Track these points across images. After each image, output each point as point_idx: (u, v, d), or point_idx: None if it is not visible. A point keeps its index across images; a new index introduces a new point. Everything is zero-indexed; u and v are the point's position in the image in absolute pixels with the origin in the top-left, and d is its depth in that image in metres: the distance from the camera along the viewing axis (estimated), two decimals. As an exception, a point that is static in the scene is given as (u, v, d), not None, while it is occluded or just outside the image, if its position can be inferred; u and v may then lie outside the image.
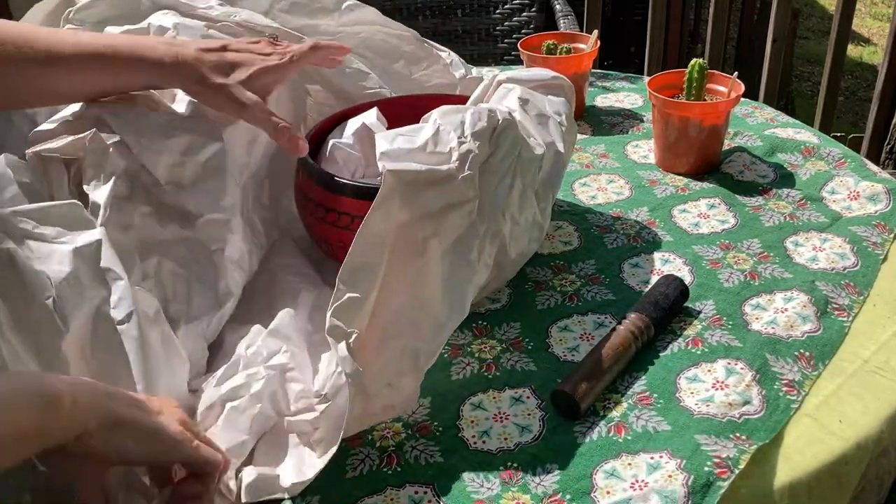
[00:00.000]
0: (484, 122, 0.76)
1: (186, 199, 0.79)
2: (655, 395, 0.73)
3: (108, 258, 0.67)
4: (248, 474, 0.65)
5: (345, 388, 0.65)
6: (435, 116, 0.77)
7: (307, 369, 0.76)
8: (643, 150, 1.18)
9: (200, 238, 0.79)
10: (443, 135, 0.74)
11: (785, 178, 1.07)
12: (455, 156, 0.73)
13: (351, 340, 0.65)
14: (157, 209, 0.79)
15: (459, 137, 0.74)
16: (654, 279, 0.87)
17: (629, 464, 0.67)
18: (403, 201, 0.69)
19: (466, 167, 0.73)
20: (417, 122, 0.78)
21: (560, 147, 0.87)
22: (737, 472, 0.65)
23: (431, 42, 1.05)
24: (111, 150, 0.77)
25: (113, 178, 0.76)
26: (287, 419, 0.70)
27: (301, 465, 0.67)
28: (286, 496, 0.65)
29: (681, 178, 1.10)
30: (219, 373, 0.73)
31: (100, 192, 0.75)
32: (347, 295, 0.66)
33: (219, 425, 0.69)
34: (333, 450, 0.64)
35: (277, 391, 0.72)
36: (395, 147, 0.72)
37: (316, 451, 0.68)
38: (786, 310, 0.83)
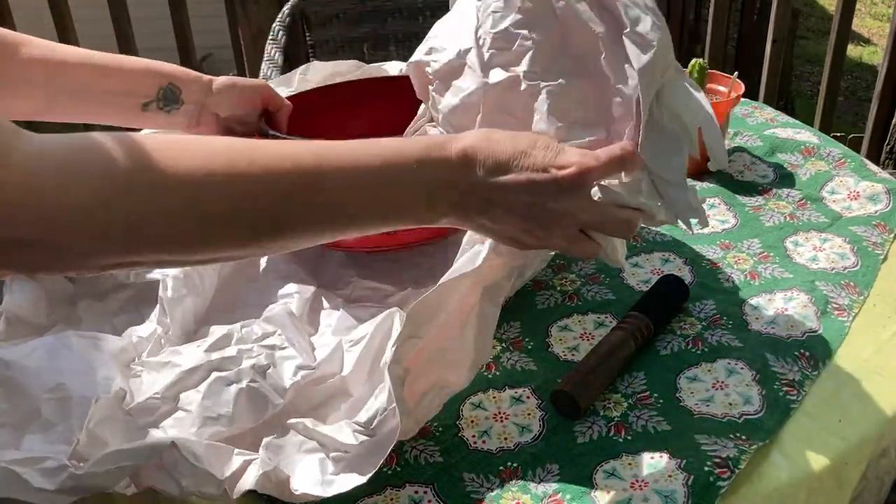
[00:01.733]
0: None
1: None
2: (655, 395, 0.73)
3: None
4: (263, 464, 0.63)
5: (385, 424, 0.64)
6: None
7: (306, 352, 0.75)
8: (643, 150, 1.18)
9: None
10: None
11: (785, 178, 1.07)
12: None
13: (406, 379, 0.64)
14: None
15: None
16: (654, 279, 0.87)
17: (629, 464, 0.67)
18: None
19: None
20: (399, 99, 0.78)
21: None
22: (737, 472, 0.65)
23: (371, 65, 1.11)
24: None
25: None
26: (311, 426, 0.67)
27: (317, 476, 0.64)
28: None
29: (681, 178, 1.10)
30: (208, 340, 0.73)
31: None
32: (410, 338, 0.64)
33: (200, 391, 0.68)
34: (356, 482, 0.62)
35: (270, 369, 0.71)
36: None
37: (334, 467, 0.65)
38: (786, 310, 0.83)
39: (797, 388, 0.73)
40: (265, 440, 0.66)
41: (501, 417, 0.72)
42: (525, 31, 0.66)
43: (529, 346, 0.81)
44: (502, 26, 0.67)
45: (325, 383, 0.72)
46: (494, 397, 0.75)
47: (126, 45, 2.13)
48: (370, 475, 0.62)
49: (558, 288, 0.89)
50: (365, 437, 0.64)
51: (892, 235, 0.95)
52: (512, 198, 0.59)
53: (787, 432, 0.70)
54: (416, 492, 0.66)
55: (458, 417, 0.73)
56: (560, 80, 0.66)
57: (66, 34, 2.08)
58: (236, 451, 0.65)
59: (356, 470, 0.63)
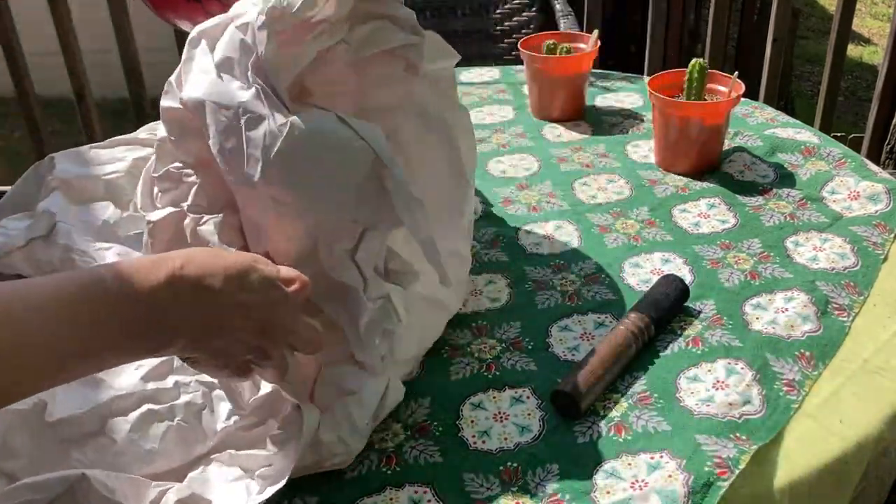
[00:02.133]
0: None
1: None
2: (655, 395, 0.73)
3: None
4: (180, 491, 0.62)
5: (293, 418, 0.64)
6: None
7: (245, 387, 0.73)
8: (643, 150, 1.18)
9: None
10: None
11: (785, 178, 1.07)
12: None
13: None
14: None
15: None
16: (654, 279, 0.87)
17: (629, 464, 0.67)
18: None
19: None
20: None
21: None
22: (737, 472, 0.65)
23: None
24: None
25: None
26: (232, 452, 0.67)
27: (239, 497, 0.63)
28: None
29: (681, 177, 1.10)
30: (145, 365, 0.71)
31: None
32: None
33: (129, 422, 0.67)
34: (276, 487, 0.62)
35: (205, 409, 0.70)
36: None
37: (259, 486, 0.64)
38: (786, 310, 0.83)
39: (797, 388, 0.73)
40: (190, 475, 0.65)
41: (501, 417, 0.72)
42: (188, 170, 0.70)
43: (529, 346, 0.81)
44: (163, 169, 0.71)
45: (256, 429, 0.71)
46: (494, 397, 0.75)
47: (126, 44, 2.13)
48: (288, 475, 0.62)
49: (558, 288, 0.89)
50: (280, 440, 0.65)
51: (892, 235, 0.95)
52: (254, 314, 0.58)
53: (788, 432, 0.70)
54: (416, 492, 0.66)
55: (458, 417, 0.73)
56: (222, 214, 0.69)
57: (65, 35, 2.08)
58: (154, 483, 0.63)
59: (278, 479, 0.62)
